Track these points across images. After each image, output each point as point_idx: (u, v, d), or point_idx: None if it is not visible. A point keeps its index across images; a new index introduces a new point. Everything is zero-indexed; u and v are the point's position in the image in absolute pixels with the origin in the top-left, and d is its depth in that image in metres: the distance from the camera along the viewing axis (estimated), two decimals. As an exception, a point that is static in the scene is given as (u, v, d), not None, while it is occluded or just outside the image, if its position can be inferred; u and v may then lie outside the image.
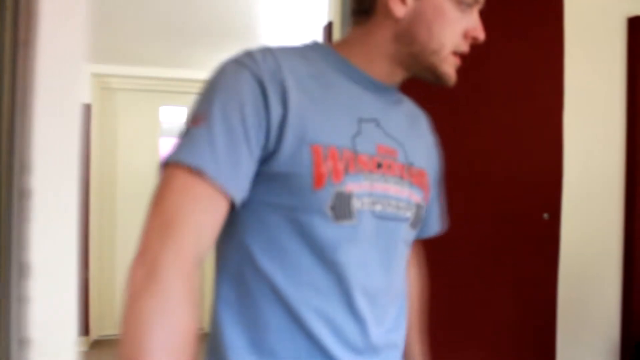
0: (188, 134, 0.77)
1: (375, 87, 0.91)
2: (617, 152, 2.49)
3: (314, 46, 0.91)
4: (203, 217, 0.74)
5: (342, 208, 0.81)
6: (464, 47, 0.90)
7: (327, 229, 0.81)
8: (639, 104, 2.48)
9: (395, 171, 0.88)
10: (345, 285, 0.83)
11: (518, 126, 2.13)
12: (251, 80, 0.79)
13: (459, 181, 2.02)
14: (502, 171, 2.10)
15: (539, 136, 2.18)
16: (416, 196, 0.93)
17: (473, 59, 2.06)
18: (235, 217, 0.83)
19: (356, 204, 0.83)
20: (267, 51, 0.84)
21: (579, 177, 2.36)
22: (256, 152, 0.78)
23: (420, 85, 1.93)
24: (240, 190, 0.77)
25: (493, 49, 2.09)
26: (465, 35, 0.89)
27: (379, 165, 0.86)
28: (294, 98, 0.80)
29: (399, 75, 0.92)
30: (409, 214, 0.91)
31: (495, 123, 2.09)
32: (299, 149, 0.79)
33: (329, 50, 0.91)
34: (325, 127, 0.82)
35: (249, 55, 0.82)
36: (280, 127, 0.78)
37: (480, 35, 0.89)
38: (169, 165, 0.76)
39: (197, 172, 0.74)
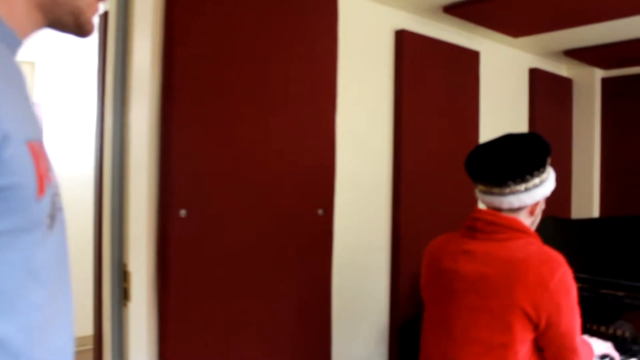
0: None
1: (17, 46, 0.73)
2: (385, 151, 2.72)
3: None
4: None
5: (54, 212, 0.70)
6: None
7: (44, 244, 0.68)
8: (404, 109, 2.74)
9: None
10: (68, 304, 0.73)
11: (293, 128, 2.23)
12: None
13: (234, 180, 2.05)
14: (278, 170, 2.17)
15: (314, 137, 2.29)
16: None
17: (253, 62, 2.11)
18: None
19: (57, 201, 0.72)
20: None
21: (351, 175, 2.54)
22: None
23: (199, 86, 1.93)
24: None
25: (273, 55, 2.16)
26: None
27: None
28: None
29: (34, 26, 0.76)
30: None
31: (272, 125, 2.16)
32: (16, 151, 0.63)
33: None
34: (24, 115, 0.67)
35: None
36: None
37: None
38: None
39: None
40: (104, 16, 2.13)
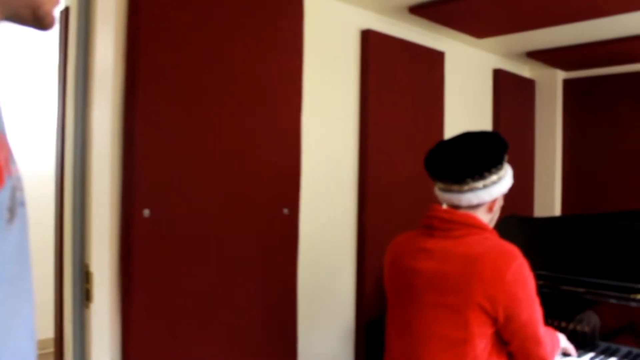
0: None
1: None
2: (350, 151, 2.73)
3: None
4: None
5: (14, 206, 0.66)
6: None
7: (2, 239, 0.64)
8: (370, 108, 2.75)
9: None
10: (29, 303, 0.70)
11: (259, 127, 2.21)
12: None
13: (198, 179, 2.03)
14: (243, 169, 2.16)
15: (279, 137, 2.29)
16: None
17: (219, 61, 2.09)
18: None
19: (18, 195, 0.68)
20: None
21: (316, 174, 2.54)
22: None
23: (164, 84, 1.91)
24: None
25: (239, 54, 2.15)
26: None
27: None
28: None
29: None
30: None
31: (237, 124, 2.14)
32: None
33: None
34: None
35: None
36: None
37: None
38: None
39: None
40: (65, 12, 2.09)
